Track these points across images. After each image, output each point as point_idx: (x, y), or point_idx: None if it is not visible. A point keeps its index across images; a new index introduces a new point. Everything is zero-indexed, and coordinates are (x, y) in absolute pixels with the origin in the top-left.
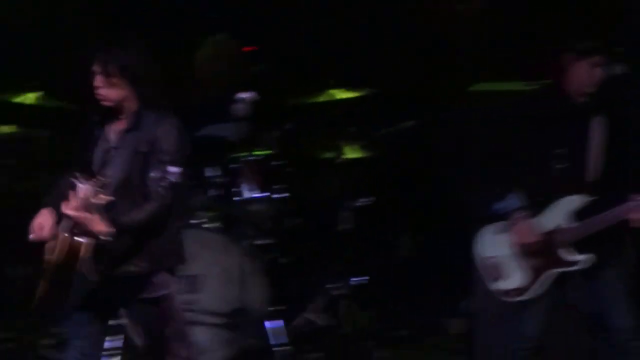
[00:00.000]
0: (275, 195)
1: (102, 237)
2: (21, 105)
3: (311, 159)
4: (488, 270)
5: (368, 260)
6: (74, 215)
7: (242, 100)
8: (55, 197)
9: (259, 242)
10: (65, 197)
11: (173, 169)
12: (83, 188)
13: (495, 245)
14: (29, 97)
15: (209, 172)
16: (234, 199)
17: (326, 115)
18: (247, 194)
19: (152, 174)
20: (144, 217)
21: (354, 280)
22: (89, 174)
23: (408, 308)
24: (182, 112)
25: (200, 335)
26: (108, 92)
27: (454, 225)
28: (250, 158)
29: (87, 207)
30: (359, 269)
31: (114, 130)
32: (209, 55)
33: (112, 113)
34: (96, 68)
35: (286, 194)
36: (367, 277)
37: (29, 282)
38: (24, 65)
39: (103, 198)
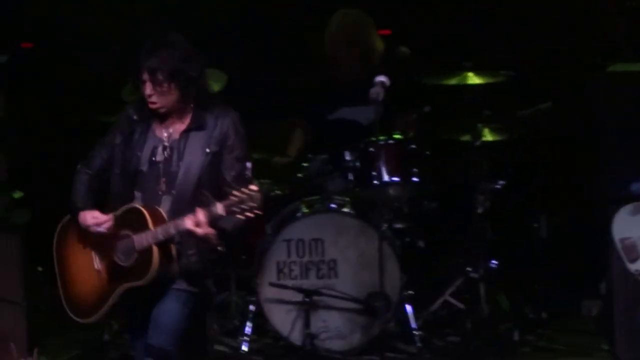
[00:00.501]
0: (412, 179)
1: (218, 249)
2: None
3: (449, 141)
4: (626, 251)
5: (506, 243)
6: (201, 233)
7: (379, 83)
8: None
9: (396, 226)
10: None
11: (248, 164)
12: (218, 207)
13: (632, 226)
14: None
15: (346, 156)
16: (372, 183)
17: (464, 98)
18: (385, 177)
19: (232, 173)
20: (242, 221)
21: (493, 263)
22: (129, 173)
23: (547, 290)
24: (317, 95)
25: (337, 321)
26: (160, 99)
27: (591, 206)
28: (387, 142)
29: (212, 222)
30: (497, 252)
31: (166, 130)
32: (341, 33)
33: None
34: (145, 76)
35: (423, 178)
36: (505, 260)
37: None
38: None
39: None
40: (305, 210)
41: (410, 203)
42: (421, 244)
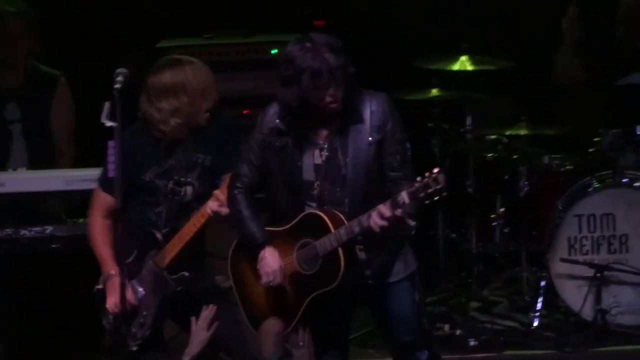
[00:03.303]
0: None
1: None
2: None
3: None
4: None
5: None
6: (387, 225)
7: None
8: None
9: None
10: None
11: (408, 145)
12: (404, 196)
13: None
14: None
15: (638, 131)
16: None
17: None
18: None
19: (397, 157)
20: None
21: None
22: (295, 185)
23: None
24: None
25: (630, 296)
26: (338, 98)
27: None
28: None
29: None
30: None
31: (319, 132)
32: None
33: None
34: (322, 80)
35: None
36: None
37: None
38: None
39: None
40: (596, 185)
41: None
42: None
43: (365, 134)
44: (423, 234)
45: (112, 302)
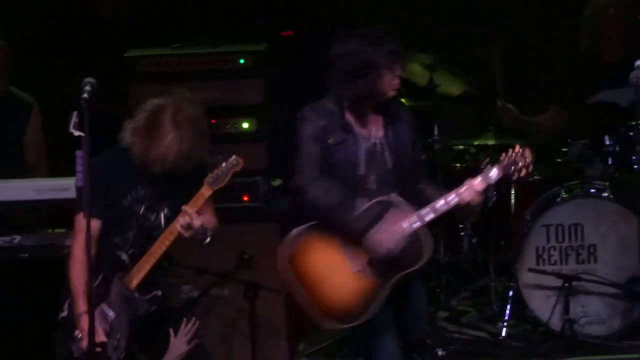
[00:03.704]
0: None
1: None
2: None
3: None
4: None
5: None
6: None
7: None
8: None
9: None
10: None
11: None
12: (494, 170)
13: None
14: None
15: (606, 141)
16: (632, 167)
17: None
18: None
19: (422, 154)
20: None
21: None
22: (350, 179)
23: None
24: (577, 78)
25: (597, 305)
26: None
27: None
28: None
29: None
30: None
31: (367, 128)
32: (604, 12)
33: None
34: (396, 65)
35: None
36: None
37: None
38: None
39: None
40: (564, 195)
41: None
42: None
43: (406, 131)
44: None
45: (84, 344)
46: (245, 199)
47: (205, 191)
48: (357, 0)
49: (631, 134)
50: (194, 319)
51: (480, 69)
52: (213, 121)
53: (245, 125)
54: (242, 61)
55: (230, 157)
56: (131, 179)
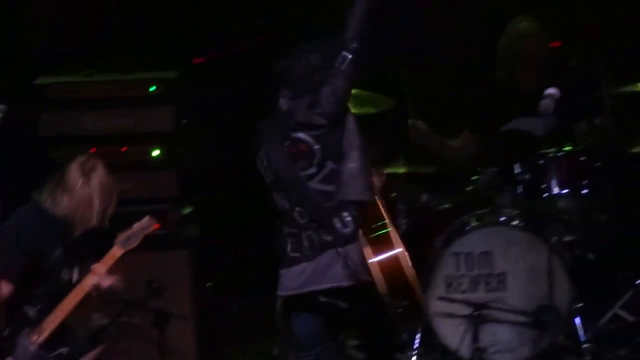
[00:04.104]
0: (583, 191)
1: None
2: None
3: (622, 152)
4: None
5: None
6: None
7: (550, 95)
8: None
9: (566, 238)
10: None
11: None
12: None
13: None
14: None
15: (516, 169)
16: (542, 195)
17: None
18: (554, 190)
19: None
20: None
21: None
22: None
23: None
24: (490, 106)
25: (506, 334)
26: None
27: None
28: (557, 154)
29: None
30: None
31: None
32: (521, 42)
33: None
34: None
35: (594, 190)
36: None
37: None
38: None
39: None
40: (474, 223)
41: (580, 215)
42: (591, 256)
43: None
44: None
45: None
46: (155, 226)
47: (117, 251)
48: (268, 27)
49: (541, 162)
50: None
51: (391, 88)
52: (123, 149)
53: (156, 152)
54: (152, 89)
55: (143, 218)
56: (49, 239)
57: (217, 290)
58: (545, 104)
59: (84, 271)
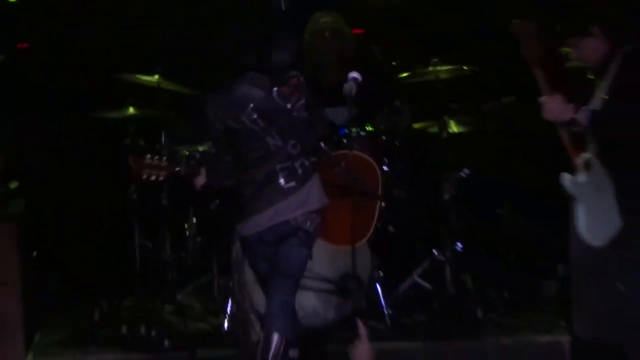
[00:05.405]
0: (384, 168)
1: None
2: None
3: (418, 133)
4: None
5: (471, 228)
6: None
7: (352, 79)
8: None
9: None
10: None
11: None
12: None
13: None
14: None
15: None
16: None
17: (432, 92)
18: None
19: None
20: None
21: (458, 246)
22: None
23: (508, 272)
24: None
25: (312, 300)
26: None
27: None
28: (359, 134)
29: None
30: (462, 236)
31: None
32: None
33: None
34: None
35: (394, 167)
36: (469, 243)
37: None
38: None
39: None
40: None
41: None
42: (391, 228)
43: None
44: (121, 244)
45: None
46: None
47: None
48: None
49: (344, 141)
50: None
51: None
52: None
53: None
54: None
55: None
56: None
57: (42, 260)
58: (349, 87)
59: None
